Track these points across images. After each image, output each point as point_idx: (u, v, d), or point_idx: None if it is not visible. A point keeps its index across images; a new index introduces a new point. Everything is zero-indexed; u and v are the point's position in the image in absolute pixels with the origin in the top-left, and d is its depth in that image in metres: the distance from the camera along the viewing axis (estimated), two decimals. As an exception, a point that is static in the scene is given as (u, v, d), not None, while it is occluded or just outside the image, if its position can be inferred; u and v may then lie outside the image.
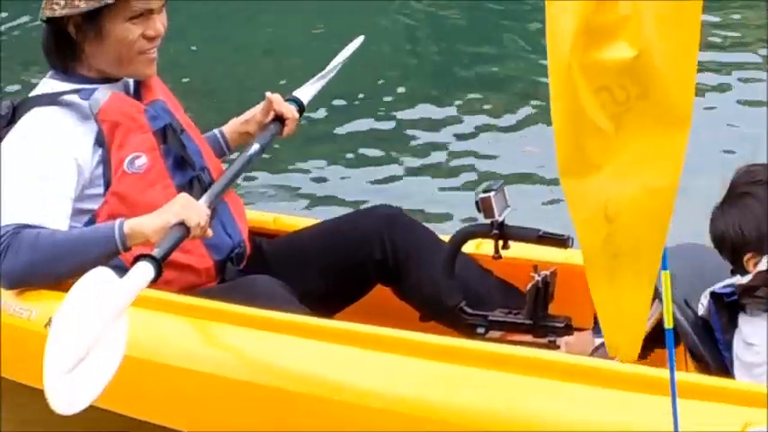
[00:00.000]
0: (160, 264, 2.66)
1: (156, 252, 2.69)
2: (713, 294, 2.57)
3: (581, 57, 1.71)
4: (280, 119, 3.33)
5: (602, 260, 1.85)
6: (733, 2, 8.70)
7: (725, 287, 2.56)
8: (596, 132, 1.75)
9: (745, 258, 2.54)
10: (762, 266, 2.48)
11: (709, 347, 2.61)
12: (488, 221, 3.01)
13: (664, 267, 1.94)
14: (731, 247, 2.60)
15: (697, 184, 4.59)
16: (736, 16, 8.42)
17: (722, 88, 7.10)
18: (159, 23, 3.01)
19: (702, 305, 2.60)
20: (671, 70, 1.66)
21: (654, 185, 1.72)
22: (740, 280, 2.53)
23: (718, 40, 8.00)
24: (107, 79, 3.04)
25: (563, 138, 1.81)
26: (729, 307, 2.53)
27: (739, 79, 7.26)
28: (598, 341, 2.95)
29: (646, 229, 1.77)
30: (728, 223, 2.58)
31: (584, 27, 1.69)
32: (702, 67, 7.50)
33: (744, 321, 2.49)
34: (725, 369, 2.53)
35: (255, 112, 3.39)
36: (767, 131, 5.64)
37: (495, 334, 3.03)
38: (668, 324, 2.01)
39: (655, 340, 2.92)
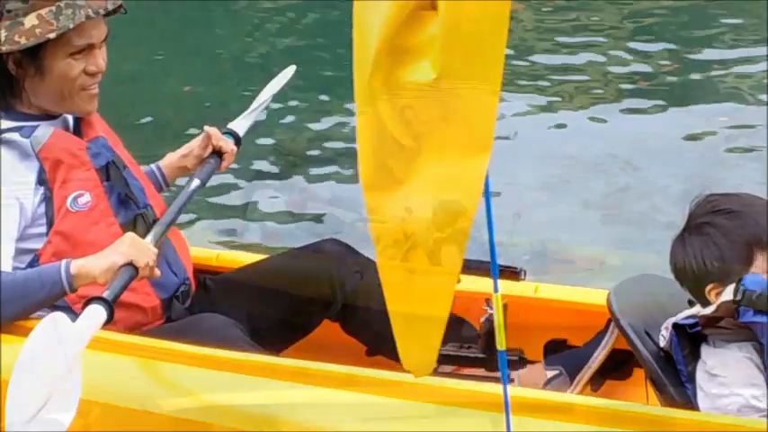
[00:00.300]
0: (112, 306, 2.70)
1: (106, 294, 2.72)
2: (675, 325, 2.62)
3: (386, 75, 1.77)
4: (218, 153, 3.40)
5: (399, 277, 1.92)
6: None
7: (687, 318, 2.62)
8: (399, 149, 1.81)
9: (708, 289, 2.60)
10: (725, 297, 2.53)
11: (672, 379, 2.67)
12: None
13: (495, 290, 2.07)
14: (693, 278, 2.66)
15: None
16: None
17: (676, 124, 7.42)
18: (101, 59, 3.05)
19: (664, 336, 2.67)
20: (472, 95, 1.70)
21: (452, 208, 1.77)
22: (703, 311, 2.59)
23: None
24: (47, 116, 3.06)
25: (366, 152, 1.87)
26: (691, 338, 2.60)
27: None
28: (550, 373, 3.09)
29: (443, 249, 1.83)
30: (690, 253, 2.63)
31: (389, 46, 1.75)
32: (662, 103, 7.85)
33: (707, 353, 2.56)
34: (688, 400, 2.60)
35: (193, 146, 3.43)
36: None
37: (447, 368, 3.11)
38: (500, 345, 2.13)
39: (607, 371, 3.08)
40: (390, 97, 1.78)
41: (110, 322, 2.73)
